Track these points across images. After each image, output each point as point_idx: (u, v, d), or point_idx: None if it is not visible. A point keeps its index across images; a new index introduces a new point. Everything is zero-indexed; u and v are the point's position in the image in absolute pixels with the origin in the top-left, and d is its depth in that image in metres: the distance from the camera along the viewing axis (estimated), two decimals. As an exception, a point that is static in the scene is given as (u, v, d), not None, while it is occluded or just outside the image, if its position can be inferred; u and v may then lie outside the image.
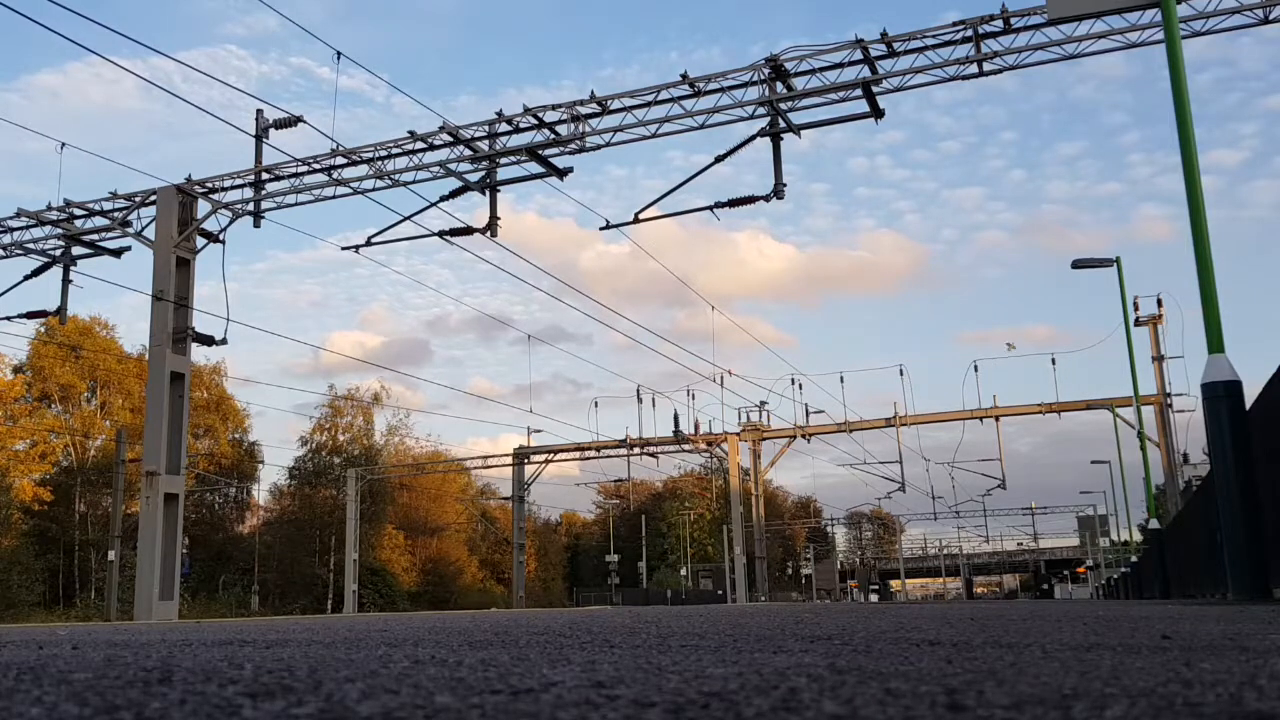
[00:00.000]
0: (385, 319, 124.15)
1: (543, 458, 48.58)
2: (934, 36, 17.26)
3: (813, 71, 17.99)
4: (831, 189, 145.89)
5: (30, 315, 23.34)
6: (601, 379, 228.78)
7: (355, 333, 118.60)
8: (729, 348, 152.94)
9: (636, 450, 45.15)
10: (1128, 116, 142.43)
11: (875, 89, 17.70)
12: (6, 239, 22.88)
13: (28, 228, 22.69)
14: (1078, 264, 26.78)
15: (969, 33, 16.98)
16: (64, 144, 21.26)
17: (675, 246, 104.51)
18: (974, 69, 17.20)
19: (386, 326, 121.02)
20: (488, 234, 20.08)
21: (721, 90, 18.43)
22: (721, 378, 39.13)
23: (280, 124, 20.65)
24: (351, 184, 20.85)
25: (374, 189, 20.72)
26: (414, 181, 20.41)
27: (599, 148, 19.25)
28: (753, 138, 18.33)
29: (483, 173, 20.10)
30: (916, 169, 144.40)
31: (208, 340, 21.09)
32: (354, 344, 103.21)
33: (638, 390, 42.38)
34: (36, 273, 23.01)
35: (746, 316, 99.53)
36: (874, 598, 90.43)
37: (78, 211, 22.35)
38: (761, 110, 18.26)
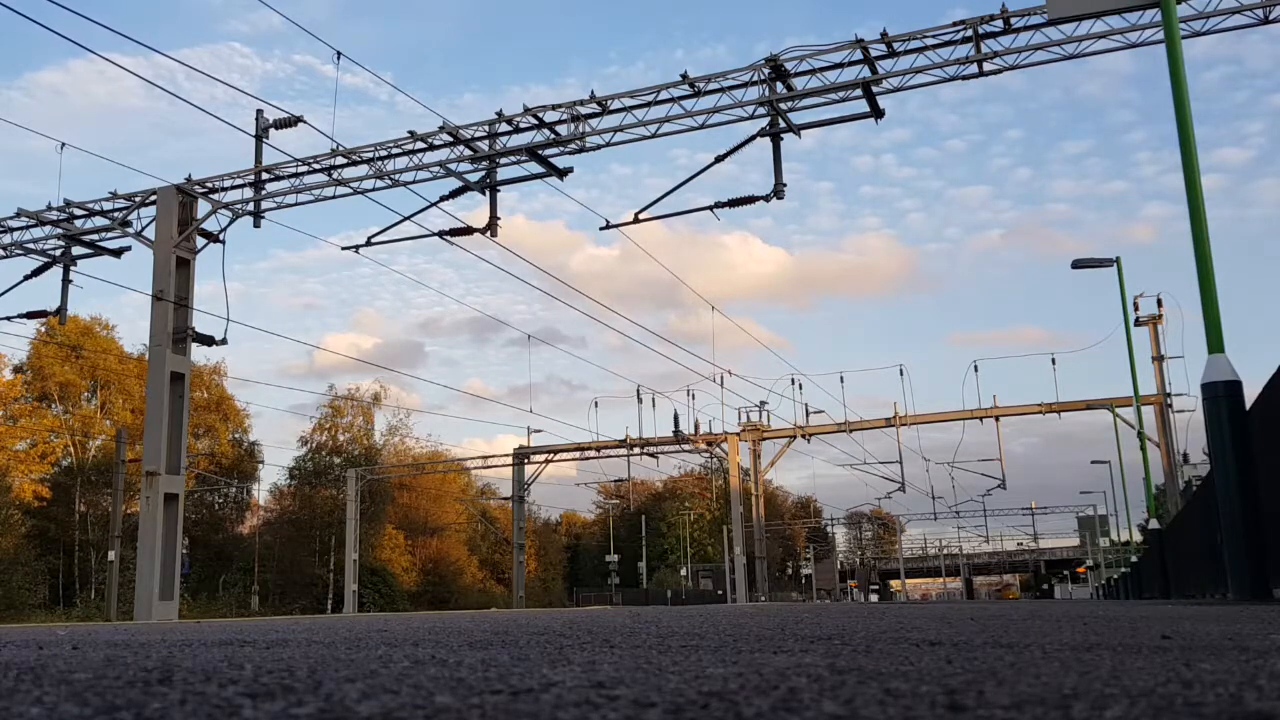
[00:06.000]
0: (380, 321, 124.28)
1: (543, 458, 48.56)
2: (934, 36, 17.26)
3: (813, 71, 17.98)
4: (836, 187, 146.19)
5: (30, 315, 23.33)
6: (597, 380, 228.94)
7: (350, 334, 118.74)
8: (724, 350, 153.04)
9: (636, 450, 45.13)
10: (1134, 114, 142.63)
11: (875, 89, 17.70)
12: (6, 239, 22.88)
13: (28, 228, 22.69)
14: (1078, 264, 26.80)
15: (969, 33, 16.97)
16: (64, 144, 21.30)
17: (665, 250, 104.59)
18: (974, 69, 17.20)
19: (381, 329, 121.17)
20: (488, 234, 20.09)
21: (722, 90, 18.43)
22: (721, 378, 39.17)
23: (280, 124, 20.65)
24: (351, 184, 20.85)
25: (374, 189, 20.74)
26: (414, 181, 20.43)
27: (599, 148, 19.26)
28: (753, 138, 18.34)
29: (483, 173, 20.10)
30: (922, 167, 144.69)
31: (208, 340, 21.09)
32: (349, 345, 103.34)
33: (637, 390, 42.39)
34: (36, 273, 23.01)
35: (738, 319, 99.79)
36: (874, 598, 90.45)
37: (78, 211, 22.34)
38: (761, 110, 18.26)
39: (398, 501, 63.26)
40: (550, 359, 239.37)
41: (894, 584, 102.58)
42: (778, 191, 18.28)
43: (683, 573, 73.36)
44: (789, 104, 18.18)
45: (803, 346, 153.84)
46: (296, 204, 21.48)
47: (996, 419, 40.54)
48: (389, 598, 54.42)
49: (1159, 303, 32.26)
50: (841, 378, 47.11)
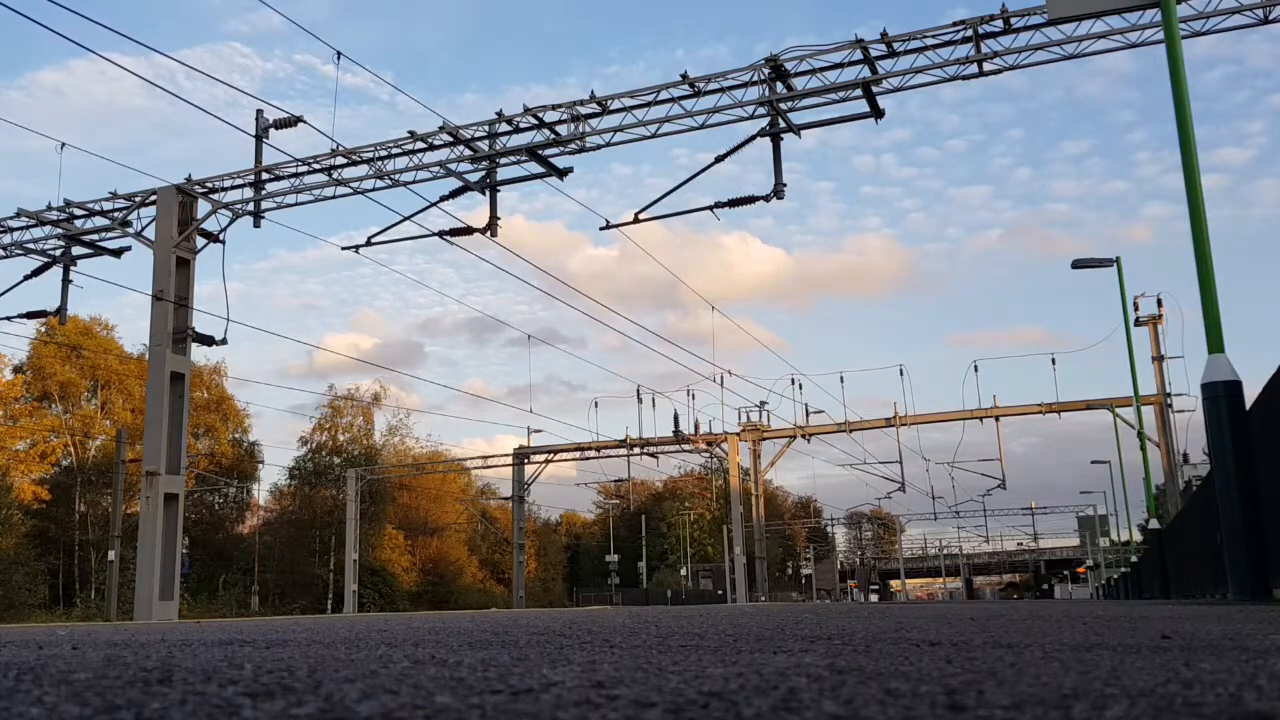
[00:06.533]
0: (380, 321, 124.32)
1: (543, 458, 48.57)
2: (934, 36, 17.26)
3: (813, 71, 17.98)
4: (837, 187, 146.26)
5: (30, 315, 23.33)
6: (596, 380, 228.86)
7: (350, 335, 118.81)
8: (724, 350, 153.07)
9: (636, 450, 45.13)
10: (1135, 114, 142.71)
11: (875, 89, 17.70)
12: (6, 239, 22.88)
13: (28, 228, 22.69)
14: (1078, 264, 26.81)
15: (969, 33, 16.97)
16: (64, 144, 21.31)
17: (664, 250, 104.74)
18: (974, 69, 17.19)
19: (381, 329, 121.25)
20: (488, 234, 20.09)
21: (721, 90, 18.43)
22: (721, 378, 39.17)
23: (280, 124, 20.65)
24: (351, 184, 20.85)
25: (374, 189, 20.74)
26: (414, 181, 20.43)
27: (599, 148, 19.26)
28: (752, 138, 18.33)
29: (483, 173, 20.10)
30: (922, 167, 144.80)
31: (208, 340, 21.09)
32: (349, 345, 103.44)
33: (637, 390, 42.39)
34: (36, 273, 23.00)
35: (738, 319, 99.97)
36: (874, 598, 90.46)
37: (78, 211, 22.34)
38: (761, 110, 18.26)
39: (398, 501, 63.26)
40: (550, 359, 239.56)
41: (894, 584, 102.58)
42: (778, 191, 18.28)
43: (683, 573, 73.33)
44: (789, 104, 18.18)
45: (802, 347, 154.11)
46: (296, 204, 21.49)
47: (996, 419, 40.54)
48: (389, 598, 54.43)
49: (1159, 303, 32.27)
50: (841, 378, 47.16)
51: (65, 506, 47.32)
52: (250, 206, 21.63)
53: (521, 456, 48.98)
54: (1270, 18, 15.84)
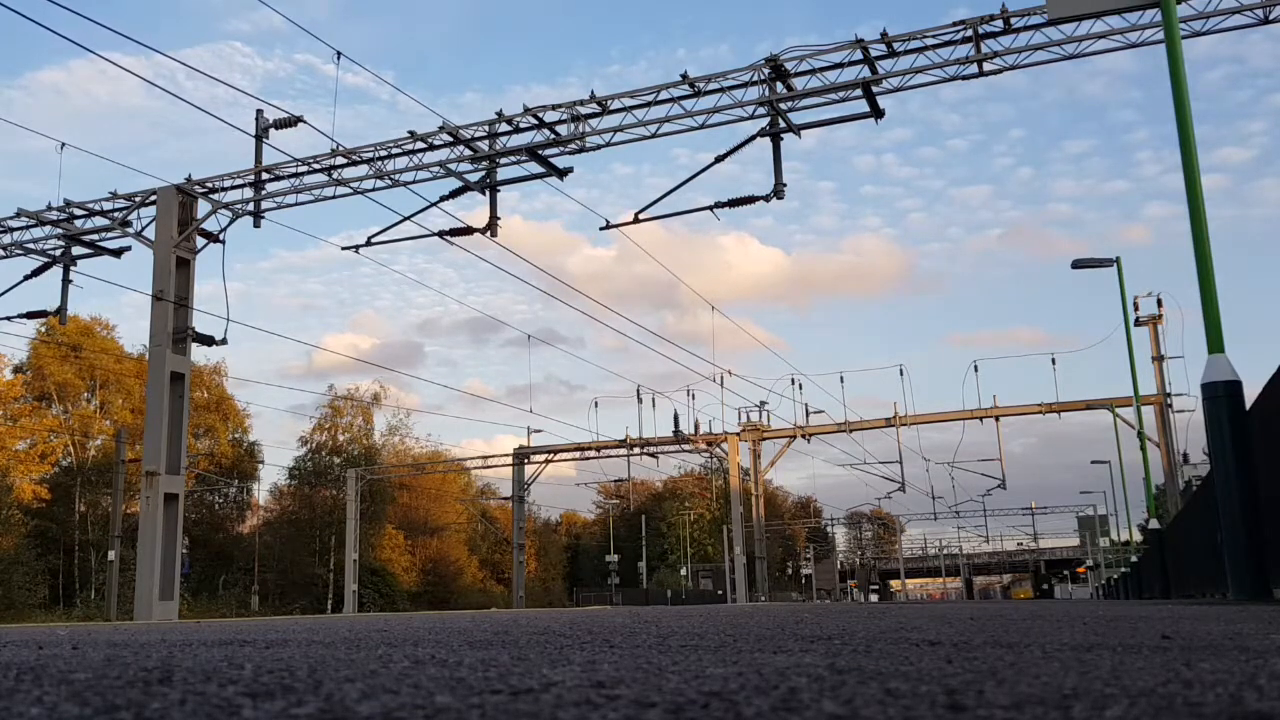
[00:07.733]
0: (379, 321, 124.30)
1: (543, 458, 48.56)
2: (934, 36, 17.26)
3: (813, 71, 17.98)
4: (837, 187, 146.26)
5: (30, 315, 23.32)
6: (596, 380, 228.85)
7: (349, 335, 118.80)
8: (723, 350, 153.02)
9: (636, 450, 45.12)
10: (1136, 114, 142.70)
11: (875, 89, 17.70)
12: (6, 239, 22.87)
13: (28, 228, 22.68)
14: (1078, 264, 26.81)
15: (969, 33, 16.97)
16: (64, 144, 21.31)
17: (662, 250, 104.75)
18: (974, 69, 17.20)
19: (381, 329, 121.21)
20: (488, 234, 20.09)
21: (721, 90, 18.42)
22: (721, 378, 39.18)
23: (280, 124, 20.65)
24: (351, 184, 20.85)
25: (374, 189, 20.73)
26: (414, 181, 20.42)
27: (599, 148, 19.26)
28: (752, 138, 18.33)
29: (483, 173, 20.10)
30: (923, 167, 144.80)
31: (208, 340, 21.08)
32: (348, 345, 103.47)
33: (637, 390, 42.39)
34: (36, 273, 23.00)
35: (737, 319, 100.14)
36: (874, 598, 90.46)
37: (78, 211, 22.34)
38: (761, 110, 18.26)
39: (398, 501, 63.26)
40: (550, 359, 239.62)
41: (894, 584, 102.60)
42: (778, 191, 18.28)
43: (683, 573, 73.35)
44: (789, 104, 18.18)
45: (802, 347, 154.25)
46: (297, 204, 21.49)
47: (996, 419, 40.53)
48: (389, 598, 54.43)
49: (1159, 303, 32.27)
50: (841, 378, 47.19)
51: (65, 506, 47.33)
52: (250, 206, 21.63)
53: (521, 456, 48.97)
54: (1270, 18, 15.84)
